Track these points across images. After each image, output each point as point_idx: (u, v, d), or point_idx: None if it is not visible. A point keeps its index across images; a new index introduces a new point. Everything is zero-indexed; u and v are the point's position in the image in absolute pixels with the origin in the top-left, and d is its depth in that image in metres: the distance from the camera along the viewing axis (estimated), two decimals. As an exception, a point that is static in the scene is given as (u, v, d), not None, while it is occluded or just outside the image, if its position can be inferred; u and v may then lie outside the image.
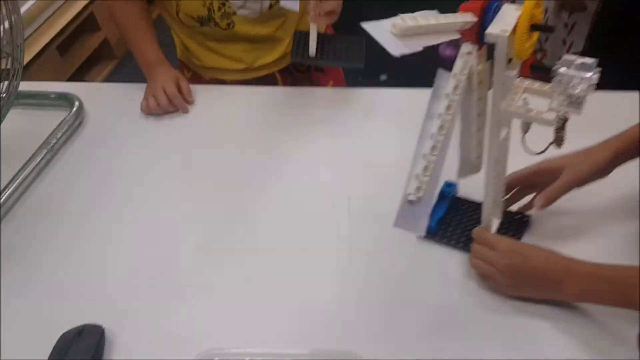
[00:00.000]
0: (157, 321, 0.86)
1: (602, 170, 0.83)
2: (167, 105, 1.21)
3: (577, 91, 0.61)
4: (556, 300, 0.78)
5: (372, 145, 1.10)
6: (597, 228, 0.89)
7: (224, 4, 1.19)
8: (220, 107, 1.24)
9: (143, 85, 1.27)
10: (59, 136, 1.18)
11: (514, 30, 0.60)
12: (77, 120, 1.22)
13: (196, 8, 1.20)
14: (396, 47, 0.62)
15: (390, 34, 0.62)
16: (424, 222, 0.66)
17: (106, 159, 1.15)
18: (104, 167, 1.14)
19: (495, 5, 0.62)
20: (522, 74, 0.67)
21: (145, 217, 1.02)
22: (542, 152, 0.73)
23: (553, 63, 0.61)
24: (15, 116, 1.08)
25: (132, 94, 1.27)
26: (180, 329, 0.84)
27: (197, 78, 1.39)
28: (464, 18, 0.62)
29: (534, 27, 0.61)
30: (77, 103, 1.25)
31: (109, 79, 2.91)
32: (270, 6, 1.20)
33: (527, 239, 0.88)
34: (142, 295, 0.90)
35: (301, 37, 1.16)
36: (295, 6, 1.02)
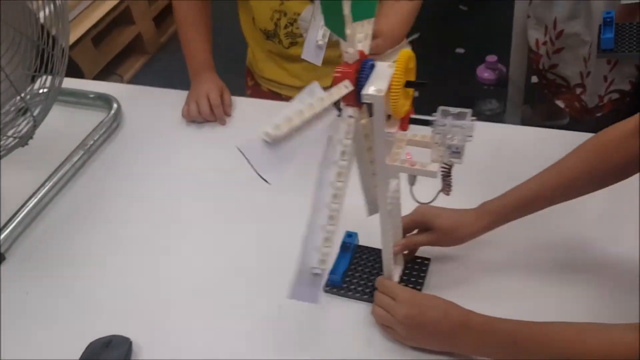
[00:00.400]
0: (185, 336, 0.86)
1: (470, 237, 0.84)
2: (208, 114, 1.20)
3: (454, 142, 0.62)
4: (455, 352, 0.77)
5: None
6: (497, 269, 0.88)
7: (291, 24, 1.19)
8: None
9: (183, 92, 1.27)
10: (96, 138, 1.18)
11: (389, 88, 0.60)
12: (115, 123, 1.23)
13: (265, 20, 1.20)
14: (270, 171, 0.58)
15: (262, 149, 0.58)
16: (319, 290, 0.67)
17: (142, 163, 1.15)
18: (139, 172, 1.14)
19: (369, 64, 0.62)
20: (402, 129, 0.67)
21: (179, 227, 1.02)
22: (430, 201, 0.75)
23: (463, 112, 0.62)
24: (53, 112, 1.08)
25: (171, 99, 1.27)
26: (208, 345, 0.84)
27: (257, 88, 1.39)
28: (340, 92, 0.61)
29: (408, 84, 0.62)
30: (115, 105, 1.25)
31: (139, 73, 2.93)
32: None
33: (430, 282, 0.87)
34: (172, 309, 0.90)
35: None
36: (317, 61, 1.01)
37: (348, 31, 0.60)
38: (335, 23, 0.59)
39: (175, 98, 1.27)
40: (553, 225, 0.91)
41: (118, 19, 2.79)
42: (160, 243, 1.00)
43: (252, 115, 1.23)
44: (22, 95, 0.97)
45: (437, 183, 0.70)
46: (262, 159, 0.58)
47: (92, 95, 1.29)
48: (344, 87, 0.61)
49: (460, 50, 2.76)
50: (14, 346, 0.87)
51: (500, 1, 2.13)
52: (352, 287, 0.87)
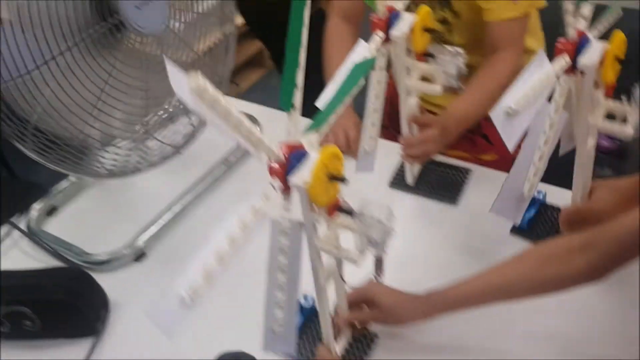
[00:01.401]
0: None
1: (410, 322, 0.86)
2: (343, 148, 1.23)
3: (374, 236, 0.66)
4: None
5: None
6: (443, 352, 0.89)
7: None
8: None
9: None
10: (238, 155, 1.25)
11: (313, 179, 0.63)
12: (256, 143, 1.29)
13: None
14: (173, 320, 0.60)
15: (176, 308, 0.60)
16: (292, 345, 0.71)
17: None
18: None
19: (303, 154, 0.65)
20: (329, 215, 0.69)
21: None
22: (362, 284, 0.85)
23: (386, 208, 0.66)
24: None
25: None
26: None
27: None
28: (269, 198, 0.64)
29: (332, 178, 0.65)
30: (257, 128, 1.31)
31: (256, 85, 3.05)
32: None
33: (373, 356, 0.88)
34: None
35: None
36: (370, 169, 1.05)
37: None
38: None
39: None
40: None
41: (246, 32, 2.92)
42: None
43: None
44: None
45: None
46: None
47: (237, 113, 1.36)
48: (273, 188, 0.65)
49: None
50: (143, 343, 0.92)
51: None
52: (304, 350, 0.89)
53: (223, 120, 0.56)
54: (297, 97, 0.68)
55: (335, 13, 1.35)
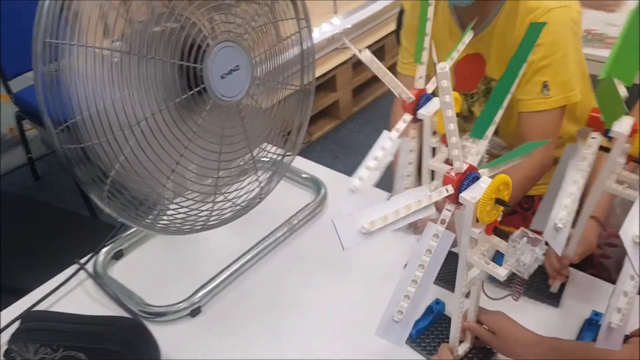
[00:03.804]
0: None
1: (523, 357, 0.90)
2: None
3: (523, 258, 0.74)
4: None
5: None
6: None
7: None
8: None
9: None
10: (300, 218, 1.26)
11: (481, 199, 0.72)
12: (319, 208, 1.31)
13: None
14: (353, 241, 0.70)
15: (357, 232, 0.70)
16: (403, 338, 0.76)
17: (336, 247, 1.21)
18: (333, 255, 1.19)
19: (472, 176, 0.74)
20: (487, 233, 0.78)
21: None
22: (499, 298, 0.91)
23: (538, 239, 0.75)
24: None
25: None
26: None
27: None
28: (442, 194, 0.74)
29: (497, 201, 0.73)
30: (323, 190, 1.33)
31: (327, 134, 3.10)
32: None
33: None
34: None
35: None
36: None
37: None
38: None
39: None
40: None
41: (324, 84, 2.98)
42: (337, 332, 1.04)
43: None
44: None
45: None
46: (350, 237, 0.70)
47: (305, 175, 1.39)
48: (445, 191, 0.74)
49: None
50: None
51: None
52: (424, 344, 1.00)
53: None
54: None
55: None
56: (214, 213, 1.05)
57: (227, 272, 1.14)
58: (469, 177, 0.74)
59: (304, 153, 3.05)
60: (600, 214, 1.10)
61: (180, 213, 1.01)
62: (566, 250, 1.03)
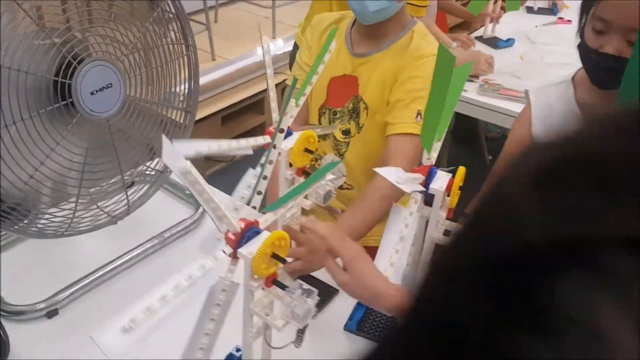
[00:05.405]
0: None
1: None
2: None
3: (296, 310, 0.77)
4: None
5: None
6: None
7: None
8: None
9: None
10: (173, 232, 1.32)
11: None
12: (194, 225, 1.37)
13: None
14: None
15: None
16: None
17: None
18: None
19: (253, 231, 0.78)
20: (266, 285, 0.80)
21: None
22: (281, 347, 0.88)
23: (311, 291, 0.77)
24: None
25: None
26: None
27: None
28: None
29: (274, 256, 0.77)
30: (201, 209, 1.40)
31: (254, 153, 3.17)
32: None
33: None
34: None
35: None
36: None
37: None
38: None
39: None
40: None
41: (251, 106, 3.07)
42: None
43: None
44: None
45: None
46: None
47: (188, 192, 1.45)
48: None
49: None
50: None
51: None
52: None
53: (199, 195, 0.71)
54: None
55: None
56: (74, 220, 1.10)
57: (91, 278, 1.19)
58: (250, 231, 0.78)
59: (227, 171, 3.12)
60: None
61: (39, 218, 1.06)
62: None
